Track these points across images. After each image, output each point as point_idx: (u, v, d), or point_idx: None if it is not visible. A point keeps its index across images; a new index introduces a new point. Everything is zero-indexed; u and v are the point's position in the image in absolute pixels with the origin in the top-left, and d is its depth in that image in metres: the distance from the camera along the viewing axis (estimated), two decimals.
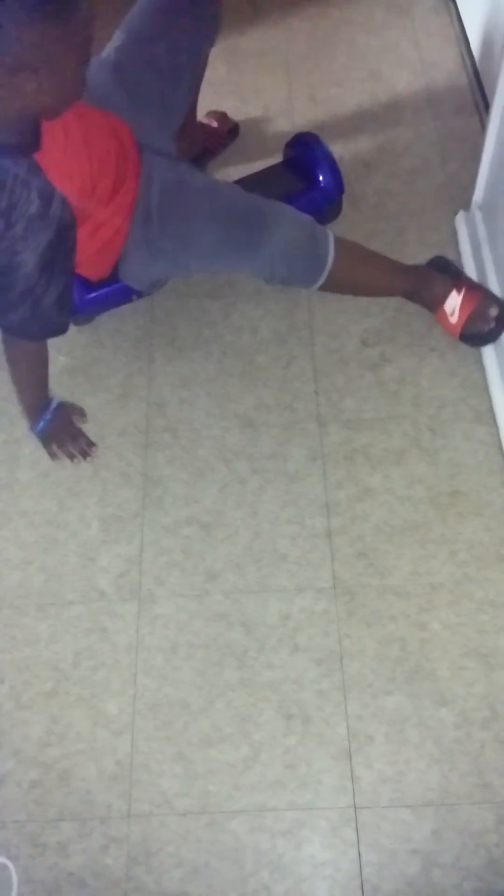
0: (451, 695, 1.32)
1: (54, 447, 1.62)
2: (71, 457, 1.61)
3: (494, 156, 1.59)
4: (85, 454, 1.61)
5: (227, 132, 2.05)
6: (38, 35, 1.02)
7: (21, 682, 1.40)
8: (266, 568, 1.46)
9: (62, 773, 1.32)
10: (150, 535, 1.52)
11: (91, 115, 1.32)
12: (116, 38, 1.50)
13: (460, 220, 1.79)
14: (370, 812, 1.25)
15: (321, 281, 1.55)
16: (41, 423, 1.59)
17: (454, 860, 1.20)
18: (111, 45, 1.50)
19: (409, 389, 1.62)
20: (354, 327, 1.71)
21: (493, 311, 1.54)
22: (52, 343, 1.47)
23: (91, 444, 1.62)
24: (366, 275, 1.64)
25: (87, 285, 1.61)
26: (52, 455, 1.62)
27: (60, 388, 1.68)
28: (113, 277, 1.57)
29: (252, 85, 2.16)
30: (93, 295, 1.63)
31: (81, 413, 1.65)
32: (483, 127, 1.80)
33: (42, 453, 1.63)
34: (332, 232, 1.54)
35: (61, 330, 1.40)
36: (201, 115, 1.98)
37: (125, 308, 1.76)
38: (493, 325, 1.55)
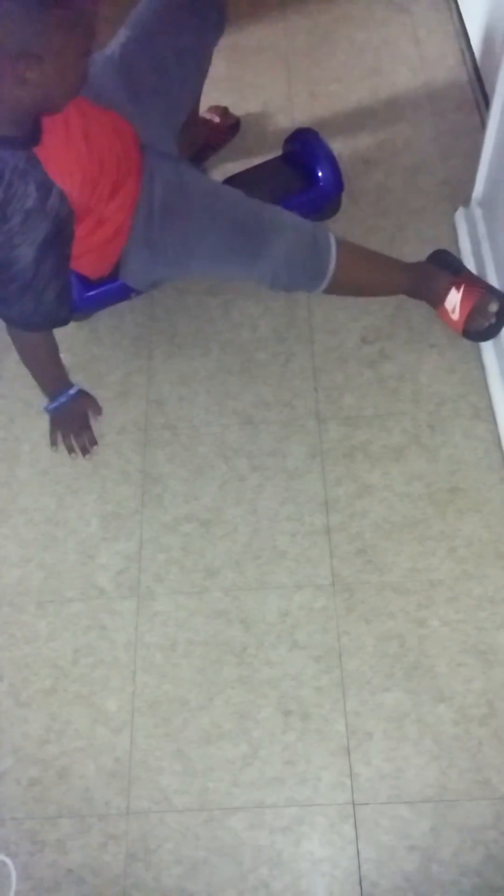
0: (450, 691, 1.32)
1: (58, 435, 1.62)
2: (70, 450, 1.62)
3: (494, 152, 1.59)
4: (85, 451, 1.61)
5: (229, 128, 2.05)
6: (41, 21, 1.03)
7: (20, 680, 1.40)
8: (265, 565, 1.46)
9: (61, 770, 1.32)
10: (150, 533, 1.52)
11: (93, 112, 1.32)
12: (121, 35, 1.49)
13: (460, 216, 1.78)
14: (369, 808, 1.25)
15: (323, 286, 1.55)
16: (55, 404, 1.60)
17: (452, 856, 1.20)
18: (116, 41, 1.49)
19: (408, 386, 1.62)
20: (354, 324, 1.71)
21: (493, 307, 1.54)
22: None
23: (94, 442, 1.62)
24: (368, 277, 1.64)
25: (86, 283, 1.61)
26: (53, 442, 1.63)
27: None
28: (112, 276, 1.57)
29: (252, 81, 2.16)
30: (92, 293, 1.63)
31: (97, 409, 1.66)
32: (483, 123, 1.79)
33: (41, 451, 1.63)
34: (333, 235, 1.53)
35: (63, 321, 1.41)
36: (203, 111, 1.98)
37: (124, 305, 1.76)
38: (493, 320, 1.55)
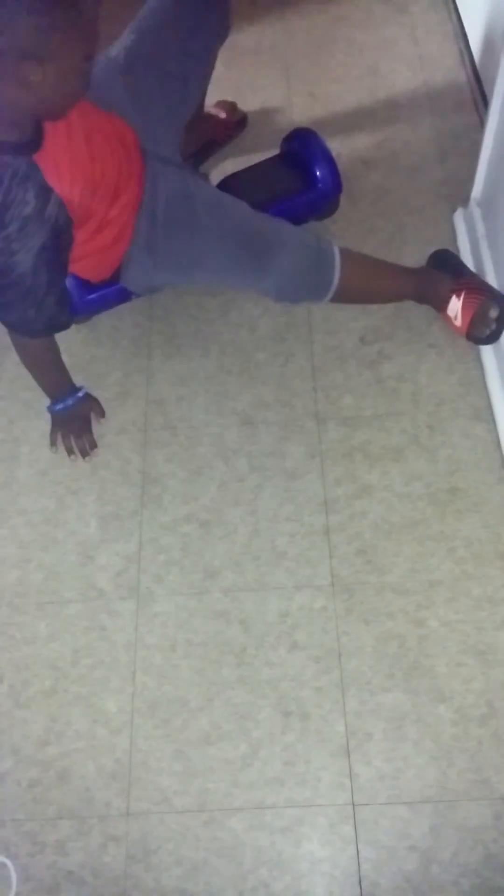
0: (450, 691, 1.32)
1: (58, 436, 1.62)
2: (69, 451, 1.62)
3: (493, 152, 1.59)
4: (84, 453, 1.61)
5: (236, 123, 2.05)
6: (44, 23, 1.03)
7: (20, 681, 1.40)
8: (265, 566, 1.46)
9: (61, 771, 1.32)
10: (149, 533, 1.52)
11: (95, 115, 1.32)
12: (125, 39, 1.48)
13: (459, 217, 1.78)
14: (368, 809, 1.25)
15: (328, 298, 1.56)
16: (60, 406, 1.60)
17: (452, 856, 1.20)
18: (120, 44, 1.48)
19: (407, 386, 1.62)
20: (353, 324, 1.71)
21: (493, 313, 1.54)
22: None
23: (93, 445, 1.62)
24: (373, 286, 1.66)
25: (87, 286, 1.61)
26: (52, 443, 1.63)
27: None
28: (113, 279, 1.57)
29: (250, 82, 2.16)
30: (92, 296, 1.63)
31: (101, 411, 1.65)
32: (482, 123, 1.79)
33: (41, 452, 1.63)
34: (337, 247, 1.53)
35: (64, 327, 1.41)
36: (210, 105, 1.98)
37: (124, 306, 1.76)
38: (493, 326, 1.54)
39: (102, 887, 1.24)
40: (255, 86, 2.15)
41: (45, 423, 1.65)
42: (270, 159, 1.84)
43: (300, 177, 1.77)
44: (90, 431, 1.63)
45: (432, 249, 1.71)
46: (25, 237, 1.21)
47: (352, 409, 1.61)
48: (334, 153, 1.77)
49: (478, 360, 1.62)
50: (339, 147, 1.94)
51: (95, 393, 1.67)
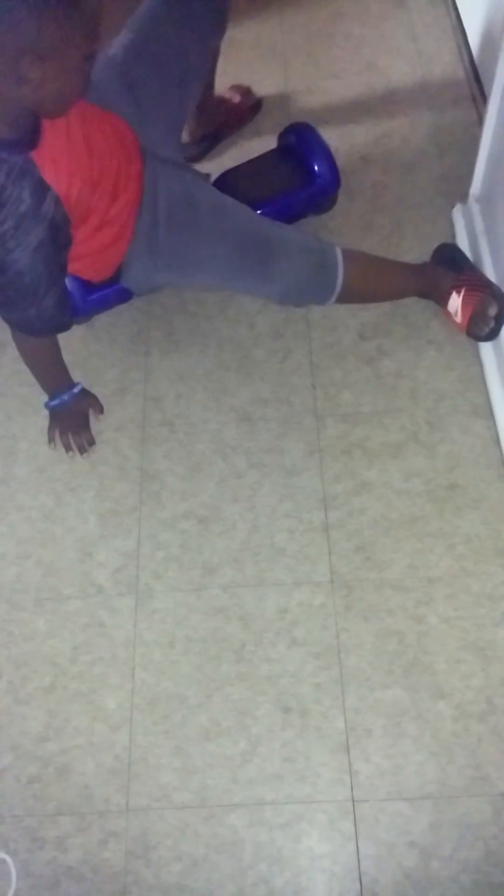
0: (449, 688, 1.32)
1: (56, 432, 1.62)
2: (67, 447, 1.61)
3: (492, 148, 1.59)
4: (82, 450, 1.61)
5: (249, 108, 2.05)
6: (45, 19, 1.02)
7: (19, 677, 1.40)
8: (264, 562, 1.46)
9: (61, 767, 1.32)
10: (148, 530, 1.52)
11: (94, 114, 1.31)
12: (123, 38, 1.47)
13: (457, 212, 1.78)
14: (368, 805, 1.25)
15: (332, 301, 1.56)
16: (56, 402, 1.59)
17: (452, 852, 1.21)
18: (118, 43, 1.47)
19: (406, 383, 1.62)
20: (352, 321, 1.71)
21: (492, 311, 1.53)
22: None
23: (91, 441, 1.62)
24: (376, 286, 1.66)
25: (87, 287, 1.60)
26: (50, 440, 1.63)
27: None
28: (114, 279, 1.56)
29: (248, 77, 2.14)
30: (94, 297, 1.62)
31: (99, 407, 1.65)
32: (480, 119, 1.79)
33: (39, 448, 1.63)
34: (340, 250, 1.53)
35: (65, 327, 1.41)
36: (224, 89, 1.99)
37: None
38: (492, 324, 1.54)
39: (102, 883, 1.24)
40: (252, 80, 2.13)
41: (43, 420, 1.65)
42: (268, 154, 1.84)
43: (298, 172, 1.77)
44: (88, 428, 1.63)
45: (431, 246, 1.71)
46: (21, 234, 1.21)
47: (350, 405, 1.61)
48: (332, 149, 1.76)
49: (477, 356, 1.62)
50: (337, 142, 1.93)
51: (93, 390, 1.66)
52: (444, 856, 1.21)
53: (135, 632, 1.42)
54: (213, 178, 1.73)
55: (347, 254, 1.54)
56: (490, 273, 1.60)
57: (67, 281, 1.55)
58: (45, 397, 1.60)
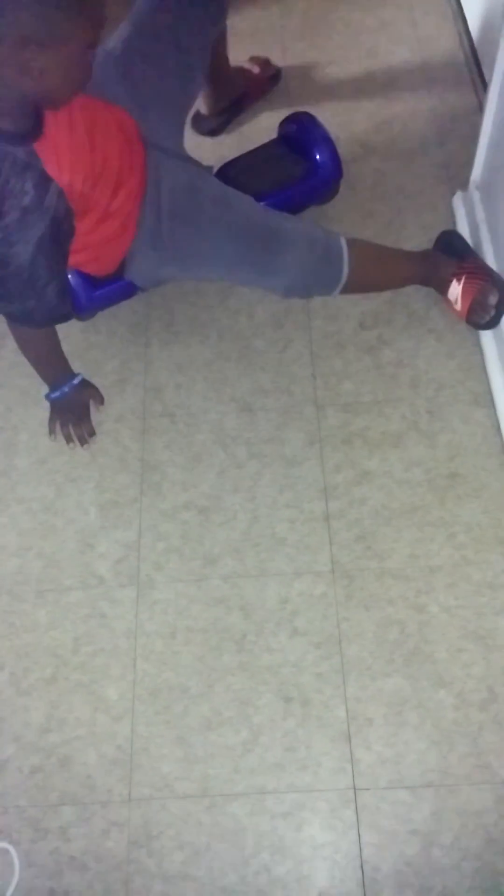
0: (450, 676, 1.32)
1: (57, 424, 1.62)
2: (68, 439, 1.61)
3: (492, 135, 1.57)
4: (83, 441, 1.61)
5: (269, 79, 2.06)
6: (48, 9, 1.01)
7: (21, 669, 1.41)
8: (264, 552, 1.46)
9: (63, 758, 1.33)
10: (148, 521, 1.52)
11: (96, 106, 1.30)
12: (122, 30, 1.46)
13: (458, 200, 1.77)
14: (370, 794, 1.25)
15: (337, 292, 1.55)
16: (57, 394, 1.59)
17: (453, 840, 1.21)
18: (117, 36, 1.46)
19: (407, 372, 1.61)
20: (352, 310, 1.70)
21: (493, 299, 1.53)
22: None
23: (92, 432, 1.62)
24: (381, 275, 1.65)
25: (92, 283, 1.59)
26: (51, 431, 1.63)
27: None
28: (118, 274, 1.55)
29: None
30: (98, 292, 1.61)
31: (99, 398, 1.65)
32: (481, 106, 1.78)
33: (39, 440, 1.63)
34: (344, 239, 1.52)
35: (64, 318, 1.40)
36: (243, 61, 2.01)
37: None
38: (492, 313, 1.53)
39: (105, 873, 1.25)
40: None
41: (43, 411, 1.65)
42: (269, 144, 1.82)
43: (300, 162, 1.75)
44: (89, 419, 1.62)
45: (431, 233, 1.70)
46: (24, 228, 1.20)
47: (351, 395, 1.60)
48: (332, 136, 1.75)
49: (477, 345, 1.62)
50: (337, 130, 1.91)
51: (93, 381, 1.66)
52: (445, 844, 1.21)
53: (136, 622, 1.42)
54: (215, 169, 1.72)
55: (352, 243, 1.53)
56: (490, 261, 1.59)
57: (72, 277, 1.55)
58: (45, 389, 1.60)
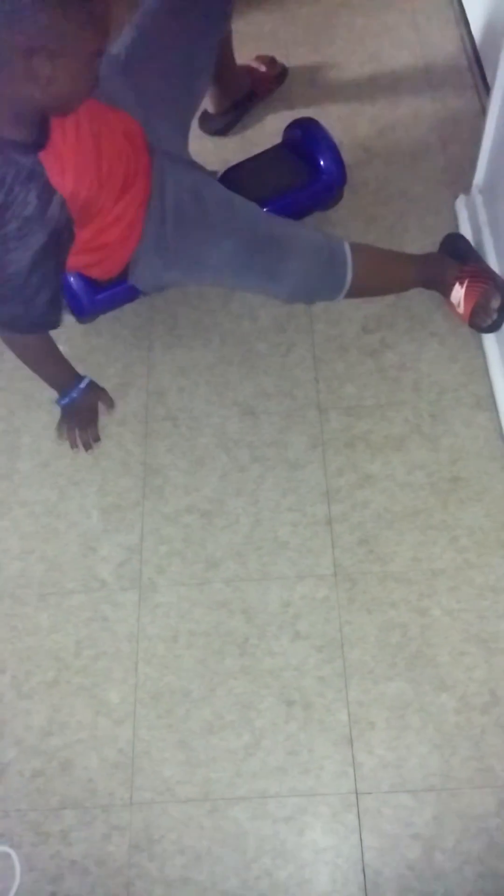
0: (452, 680, 1.32)
1: (64, 427, 1.62)
2: (73, 444, 1.61)
3: (495, 138, 1.58)
4: (87, 446, 1.61)
5: (275, 77, 2.07)
6: (56, 16, 1.01)
7: (22, 672, 1.41)
8: (267, 556, 1.46)
9: (64, 761, 1.33)
10: (151, 524, 1.52)
11: (102, 112, 1.30)
12: (126, 36, 1.47)
13: (461, 203, 1.77)
14: (372, 797, 1.25)
15: (341, 297, 1.55)
16: (67, 399, 1.59)
17: (455, 844, 1.21)
18: (121, 41, 1.46)
19: (409, 375, 1.61)
20: (354, 313, 1.70)
21: (495, 303, 1.52)
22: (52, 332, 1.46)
23: (97, 438, 1.62)
24: (384, 279, 1.65)
25: (95, 286, 1.60)
26: (59, 434, 1.63)
27: None
28: (121, 278, 1.55)
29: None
30: (101, 296, 1.62)
31: (109, 401, 1.65)
32: (483, 109, 1.78)
33: (42, 443, 1.63)
34: (348, 245, 1.52)
35: (52, 326, 1.39)
36: (250, 60, 2.02)
37: None
38: (494, 316, 1.53)
39: (106, 877, 1.24)
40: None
41: (46, 414, 1.65)
42: (273, 149, 1.82)
43: (304, 168, 1.75)
44: (95, 424, 1.62)
45: (435, 237, 1.71)
46: (24, 237, 1.20)
47: (353, 398, 1.60)
48: (335, 140, 1.75)
49: (480, 348, 1.62)
50: (340, 134, 1.91)
51: None
52: (447, 848, 1.21)
53: (138, 626, 1.42)
54: (219, 174, 1.73)
55: (355, 248, 1.53)
56: (493, 264, 1.59)
57: (74, 281, 1.55)
58: (48, 392, 1.60)
